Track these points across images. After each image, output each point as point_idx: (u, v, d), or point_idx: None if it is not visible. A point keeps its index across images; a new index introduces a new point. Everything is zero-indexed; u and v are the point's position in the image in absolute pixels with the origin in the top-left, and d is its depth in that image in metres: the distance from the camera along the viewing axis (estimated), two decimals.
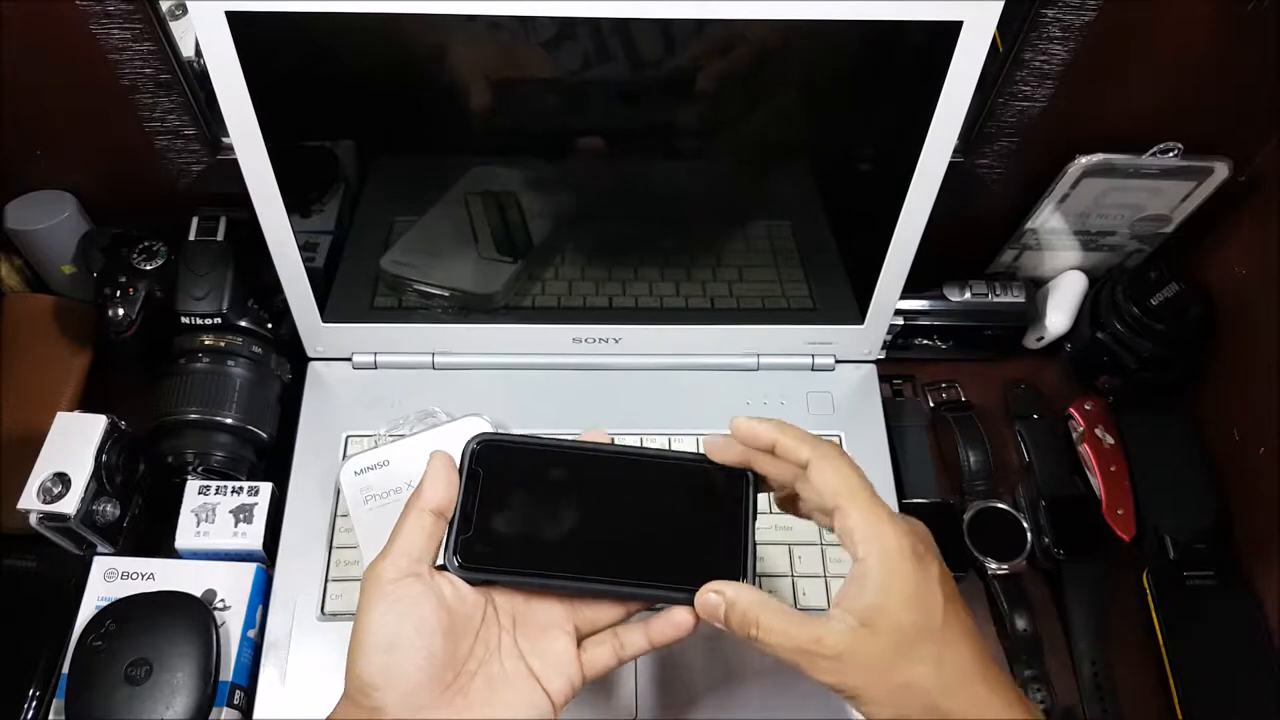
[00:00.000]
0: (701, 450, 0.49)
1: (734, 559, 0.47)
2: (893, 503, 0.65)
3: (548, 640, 0.45)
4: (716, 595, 0.44)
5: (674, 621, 0.46)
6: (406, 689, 0.41)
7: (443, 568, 0.45)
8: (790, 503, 0.49)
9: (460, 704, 0.42)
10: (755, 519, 0.48)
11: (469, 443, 0.47)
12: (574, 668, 0.45)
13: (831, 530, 0.45)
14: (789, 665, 0.42)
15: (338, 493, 0.63)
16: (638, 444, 0.57)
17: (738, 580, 0.46)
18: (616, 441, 0.50)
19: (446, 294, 0.65)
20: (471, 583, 0.46)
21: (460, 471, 0.47)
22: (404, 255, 0.63)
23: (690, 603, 0.46)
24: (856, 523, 0.42)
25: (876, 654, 0.41)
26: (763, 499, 0.50)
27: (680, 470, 0.49)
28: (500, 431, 0.49)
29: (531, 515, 0.47)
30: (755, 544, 0.48)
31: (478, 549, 0.46)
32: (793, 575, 0.62)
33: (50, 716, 0.56)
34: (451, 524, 0.46)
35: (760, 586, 0.46)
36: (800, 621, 0.42)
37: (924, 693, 0.40)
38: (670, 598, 0.47)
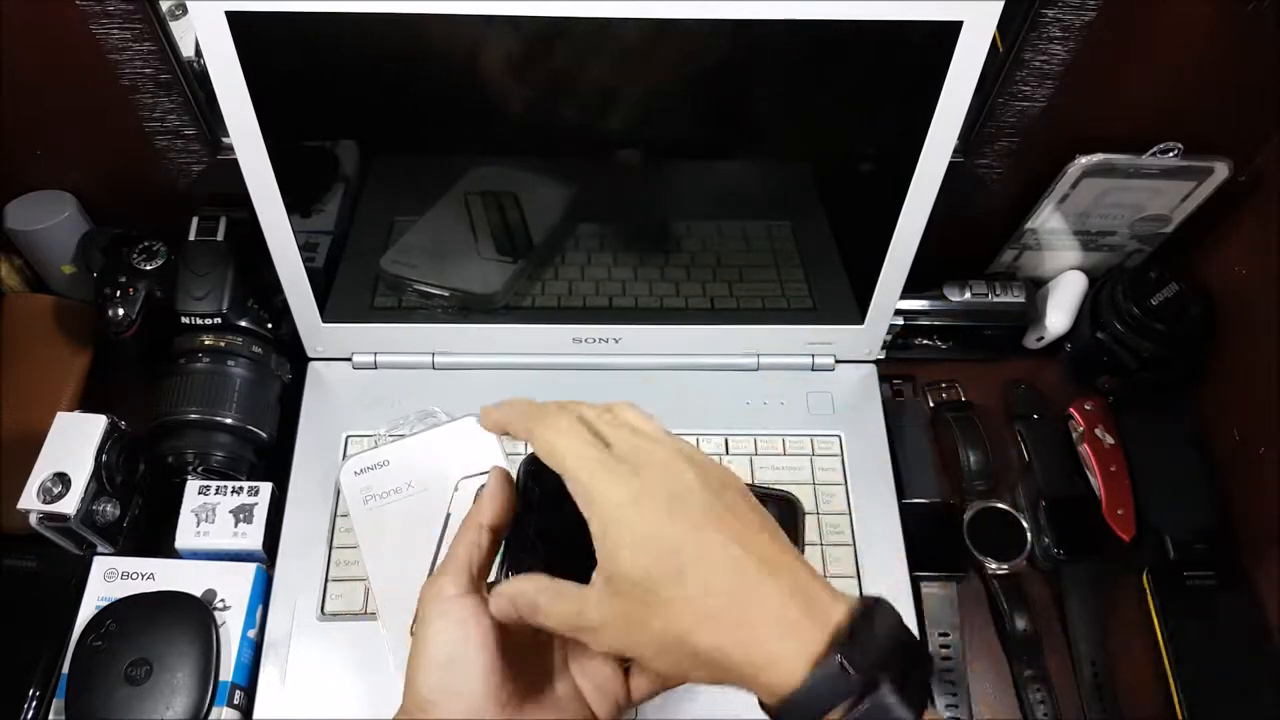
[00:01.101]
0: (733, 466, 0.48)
1: None
2: (893, 502, 0.65)
3: (597, 663, 0.45)
4: (500, 598, 0.42)
5: None
6: (464, 706, 0.40)
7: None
8: None
9: None
10: (803, 550, 0.46)
11: (525, 461, 0.47)
12: (622, 692, 0.44)
13: None
14: (576, 639, 0.41)
15: (338, 493, 0.63)
16: None
17: None
18: None
19: (446, 294, 0.65)
20: None
21: (518, 489, 0.46)
22: (404, 255, 0.63)
23: None
24: (576, 491, 0.40)
25: (624, 611, 0.38)
26: None
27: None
28: None
29: (585, 534, 0.45)
30: None
31: (533, 568, 0.45)
32: None
33: (50, 716, 0.56)
34: (507, 542, 0.45)
35: None
36: (567, 597, 0.40)
37: (679, 641, 0.37)
38: None
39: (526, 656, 0.43)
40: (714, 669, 0.38)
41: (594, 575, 0.40)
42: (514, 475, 0.46)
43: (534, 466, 0.46)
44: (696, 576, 0.38)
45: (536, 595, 0.41)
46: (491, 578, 0.45)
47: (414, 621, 0.43)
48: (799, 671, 0.36)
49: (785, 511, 0.47)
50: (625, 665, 0.45)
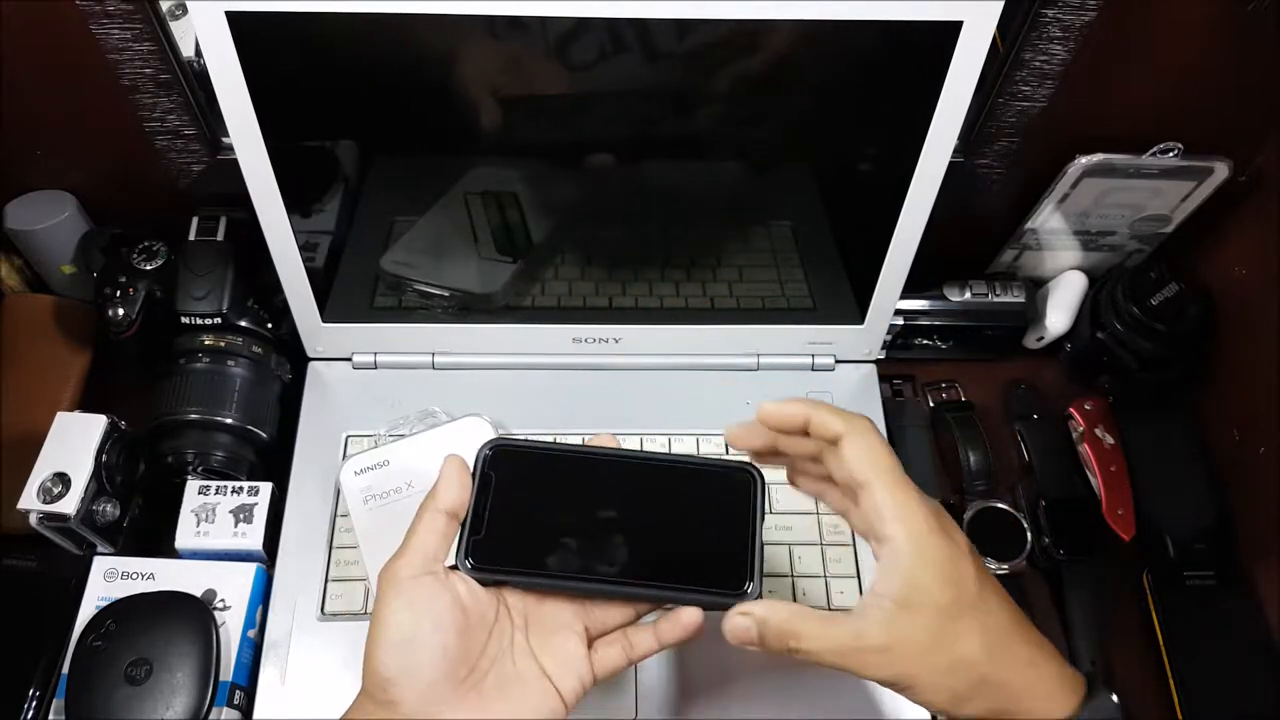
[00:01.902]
0: (705, 450, 0.49)
1: (740, 559, 0.47)
2: None
3: (559, 640, 0.46)
4: (744, 617, 0.44)
5: (681, 622, 0.46)
6: (422, 685, 0.42)
7: (455, 567, 0.46)
8: (804, 478, 0.50)
9: (474, 700, 0.43)
10: (763, 520, 0.48)
11: (482, 447, 0.48)
12: (585, 667, 0.46)
13: (842, 514, 0.47)
14: (836, 668, 0.42)
15: (338, 493, 0.63)
16: (644, 447, 0.58)
17: (745, 582, 0.46)
18: (623, 445, 0.51)
19: (446, 294, 0.65)
20: (483, 583, 0.46)
21: (474, 475, 0.48)
22: (404, 255, 0.63)
23: (698, 604, 0.46)
24: (885, 501, 0.42)
25: (921, 635, 0.41)
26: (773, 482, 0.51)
27: (688, 473, 0.49)
28: (512, 436, 0.50)
29: (542, 518, 0.48)
30: (762, 545, 0.48)
31: (489, 550, 0.47)
32: (793, 575, 0.62)
33: (50, 716, 0.56)
34: (464, 525, 0.47)
35: (763, 585, 0.47)
36: (838, 621, 0.42)
37: (972, 666, 0.41)
38: (678, 598, 0.47)
39: (485, 637, 0.44)
40: (997, 698, 0.41)
41: (871, 600, 0.42)
42: (467, 462, 0.47)
43: (492, 452, 0.48)
44: (991, 612, 0.42)
45: (795, 622, 0.42)
46: (451, 561, 0.46)
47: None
48: (1072, 703, 0.42)
49: (740, 490, 0.49)
50: (590, 641, 0.47)
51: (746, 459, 0.50)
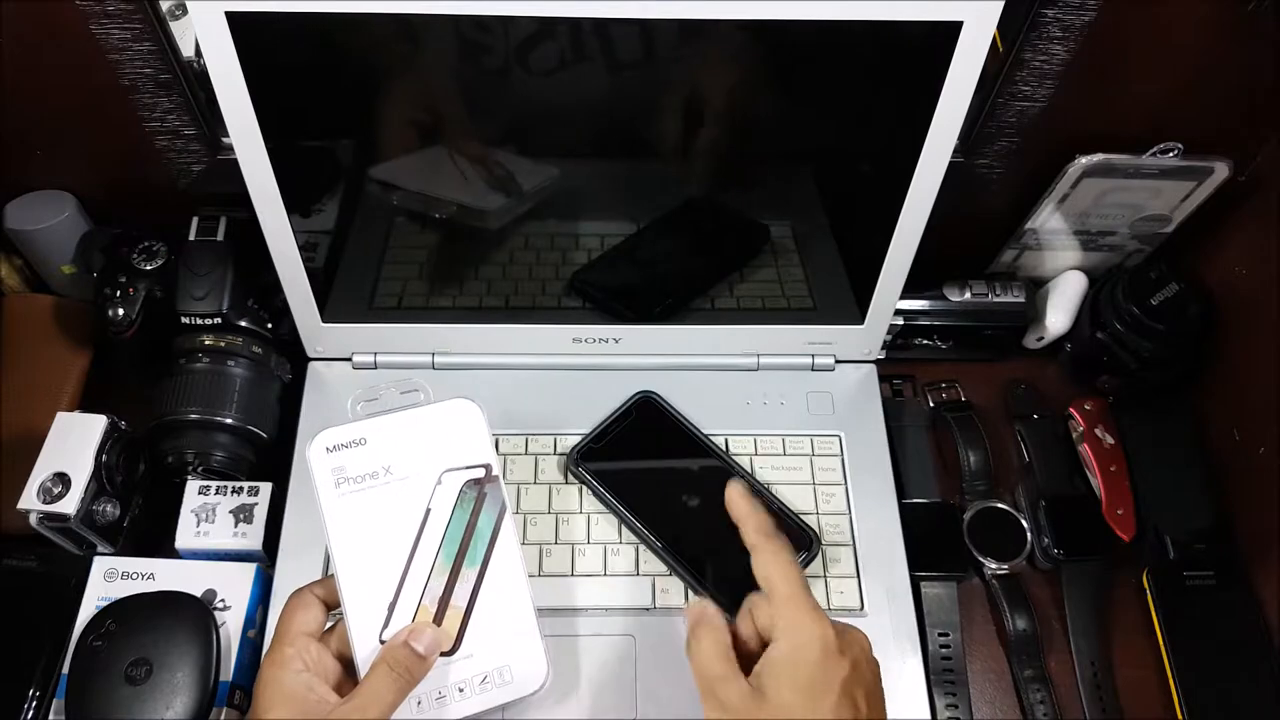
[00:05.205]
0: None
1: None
2: (893, 503, 0.65)
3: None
4: (699, 601, 0.51)
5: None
6: None
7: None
8: None
9: None
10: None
11: (638, 392, 0.66)
12: None
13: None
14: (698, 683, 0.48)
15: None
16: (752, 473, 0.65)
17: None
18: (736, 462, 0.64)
19: (439, 211, 0.60)
20: (576, 477, 0.63)
21: (621, 407, 0.66)
22: (398, 169, 0.57)
23: (704, 597, 0.57)
24: (785, 607, 0.48)
25: (743, 715, 0.45)
26: None
27: (766, 505, 0.56)
28: (666, 400, 0.66)
29: (643, 465, 0.63)
30: None
31: (595, 462, 0.63)
32: None
33: (50, 716, 0.56)
34: (587, 436, 0.64)
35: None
36: (722, 662, 0.47)
37: None
38: (690, 584, 0.60)
39: None
40: None
41: (755, 669, 0.47)
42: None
43: (641, 399, 0.66)
44: None
45: (706, 632, 0.49)
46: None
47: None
48: None
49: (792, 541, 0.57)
50: None
51: (815, 526, 0.62)
